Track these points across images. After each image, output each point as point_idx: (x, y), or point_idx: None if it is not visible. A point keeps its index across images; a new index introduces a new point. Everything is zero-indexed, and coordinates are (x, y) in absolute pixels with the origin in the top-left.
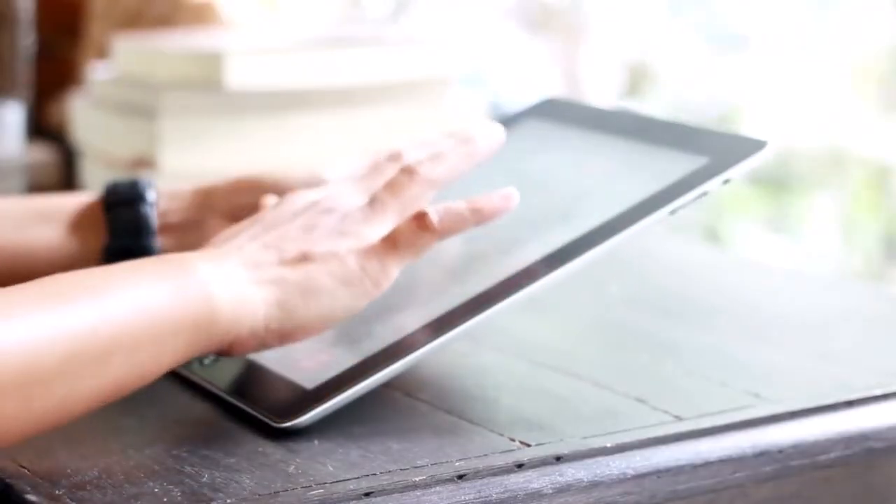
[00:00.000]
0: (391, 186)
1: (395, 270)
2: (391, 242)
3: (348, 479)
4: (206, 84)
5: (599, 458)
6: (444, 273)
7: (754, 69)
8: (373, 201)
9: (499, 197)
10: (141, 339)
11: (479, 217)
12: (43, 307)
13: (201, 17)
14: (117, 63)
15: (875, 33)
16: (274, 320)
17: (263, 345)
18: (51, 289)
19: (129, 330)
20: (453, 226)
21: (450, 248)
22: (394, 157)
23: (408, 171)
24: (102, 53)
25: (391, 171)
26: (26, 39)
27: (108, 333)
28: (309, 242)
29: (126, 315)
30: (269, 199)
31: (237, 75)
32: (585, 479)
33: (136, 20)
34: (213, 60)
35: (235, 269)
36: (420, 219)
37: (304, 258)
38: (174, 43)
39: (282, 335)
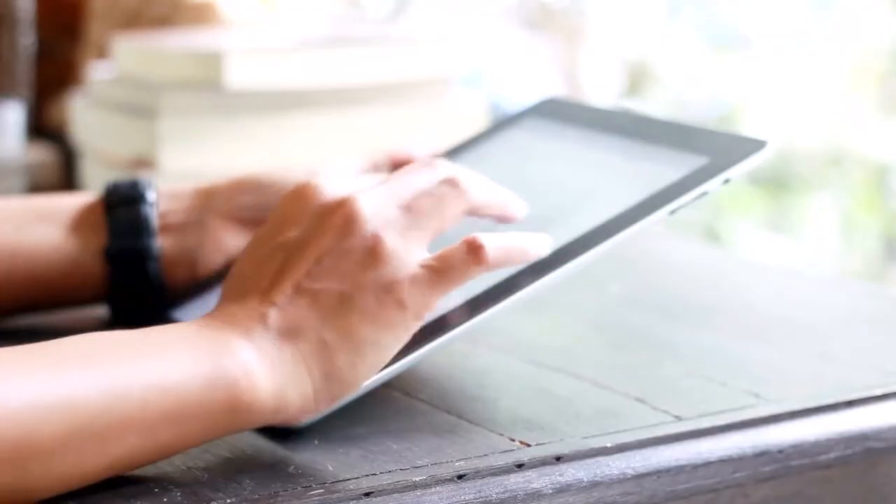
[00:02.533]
0: (433, 197)
1: (436, 301)
2: (438, 273)
3: (348, 479)
4: (205, 84)
5: (599, 458)
6: None
7: (754, 69)
8: (411, 211)
9: (538, 242)
10: (161, 420)
11: (524, 259)
12: (54, 371)
13: (201, 17)
14: (117, 63)
15: (875, 33)
16: (323, 390)
17: (316, 412)
18: (69, 351)
19: (147, 408)
20: (501, 262)
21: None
22: (428, 162)
23: (451, 184)
24: (102, 53)
25: (424, 178)
26: (26, 39)
27: (122, 409)
28: (343, 277)
29: (146, 392)
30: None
31: (237, 75)
32: (585, 479)
33: (136, 20)
34: (212, 60)
35: (276, 345)
36: (477, 251)
37: (342, 302)
38: (174, 43)
39: (333, 398)
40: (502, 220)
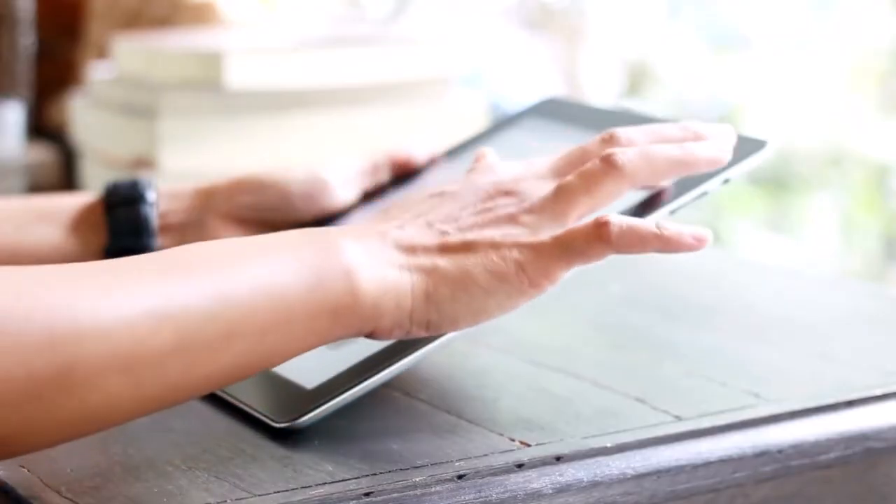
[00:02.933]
0: (586, 176)
1: (560, 274)
2: (561, 245)
3: (348, 479)
4: (205, 84)
5: (599, 458)
6: None
7: (754, 69)
8: (561, 189)
9: (691, 236)
10: (268, 325)
11: (663, 245)
12: (158, 281)
13: (201, 17)
14: (117, 63)
15: (875, 33)
16: (420, 311)
17: (408, 334)
18: (172, 260)
19: (254, 313)
20: (633, 245)
21: None
22: (607, 139)
23: (609, 163)
24: (102, 53)
25: (596, 151)
26: (26, 39)
27: (230, 316)
28: (476, 228)
29: (253, 297)
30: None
31: (237, 75)
32: (585, 479)
33: (136, 20)
34: (212, 60)
35: (386, 251)
36: (601, 227)
37: (465, 247)
38: (174, 43)
39: (428, 326)
40: (696, 171)
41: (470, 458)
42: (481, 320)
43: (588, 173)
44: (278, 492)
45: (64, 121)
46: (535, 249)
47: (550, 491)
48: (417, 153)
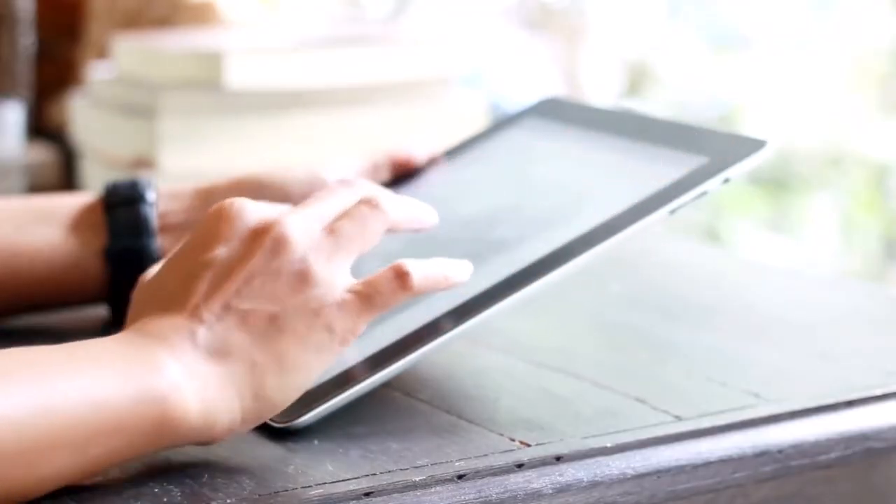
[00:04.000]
0: (354, 218)
1: (363, 327)
2: (366, 298)
3: (348, 479)
4: (206, 84)
5: (599, 458)
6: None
7: (754, 69)
8: (335, 234)
9: (461, 269)
10: (91, 436)
11: (448, 285)
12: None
13: (201, 17)
14: (117, 63)
15: (875, 33)
16: (250, 411)
17: (241, 432)
18: (9, 362)
19: (77, 426)
20: (426, 288)
21: (449, 249)
22: (346, 182)
23: (370, 204)
24: (102, 53)
25: (344, 199)
26: (26, 39)
27: (50, 426)
28: (273, 299)
29: (74, 408)
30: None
31: (237, 75)
32: (585, 479)
33: (136, 20)
34: (212, 60)
35: (205, 364)
36: (402, 277)
37: (271, 324)
38: (174, 43)
39: (259, 418)
40: (418, 232)
41: (470, 458)
42: (302, 391)
43: (355, 215)
44: (278, 492)
45: (64, 121)
46: (339, 308)
47: (550, 491)
48: (417, 153)
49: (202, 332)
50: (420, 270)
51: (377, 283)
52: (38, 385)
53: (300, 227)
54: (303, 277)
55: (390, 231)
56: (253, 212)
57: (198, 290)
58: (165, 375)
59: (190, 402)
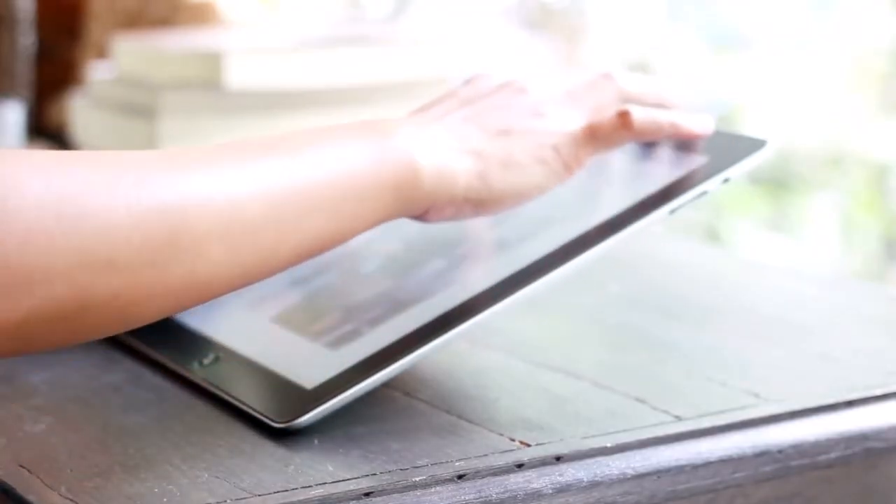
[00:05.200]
0: (591, 85)
1: (587, 159)
2: (590, 131)
3: (348, 479)
4: (206, 84)
5: (599, 458)
6: (444, 273)
7: (754, 69)
8: (570, 92)
9: (698, 122)
10: (342, 197)
11: (675, 131)
12: (246, 161)
13: (201, 17)
14: (117, 63)
15: (875, 33)
16: (472, 190)
17: (459, 213)
18: (252, 145)
19: (331, 187)
20: (650, 131)
21: (450, 249)
22: (588, 66)
23: (608, 78)
24: (102, 53)
25: (585, 75)
26: (26, 39)
27: (310, 189)
28: (508, 118)
29: (328, 173)
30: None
31: (237, 75)
32: (585, 479)
33: (136, 20)
34: (213, 60)
35: (438, 136)
36: (623, 116)
37: (504, 132)
38: (174, 43)
39: (478, 205)
40: (661, 106)
41: (470, 458)
42: (523, 201)
43: (593, 84)
44: (278, 492)
45: (64, 121)
46: (569, 135)
47: (550, 491)
48: None
49: (438, 121)
50: (643, 112)
51: (602, 120)
52: (298, 156)
53: (542, 82)
54: (536, 111)
55: (629, 101)
56: (504, 74)
57: (442, 107)
58: (401, 139)
59: (422, 163)
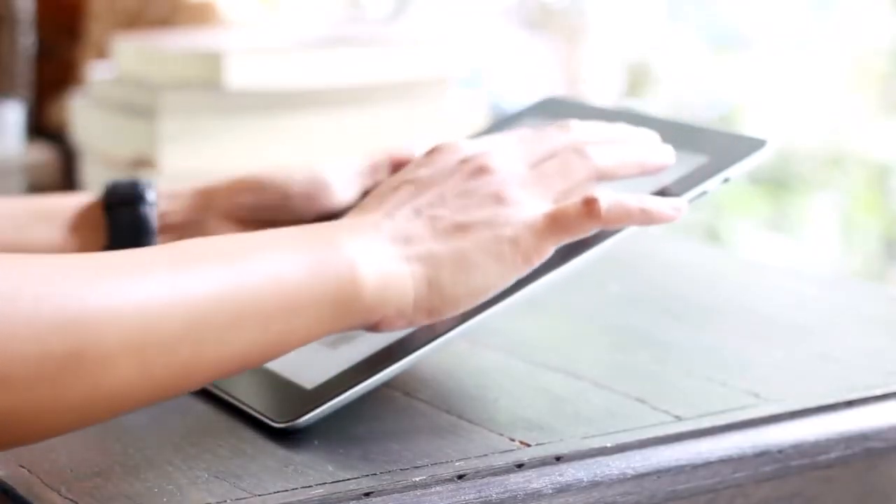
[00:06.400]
0: (560, 163)
1: (549, 250)
2: (554, 221)
3: (348, 479)
4: (206, 84)
5: (599, 458)
6: None
7: (754, 69)
8: (537, 170)
9: (670, 207)
10: (274, 313)
11: (646, 219)
12: (169, 269)
13: (201, 17)
14: (117, 63)
15: (875, 33)
16: (423, 299)
17: (411, 323)
18: (181, 252)
19: (260, 300)
20: (619, 220)
21: None
22: (563, 126)
23: (579, 152)
24: (102, 53)
25: (557, 141)
26: (26, 39)
27: (237, 302)
28: (464, 210)
29: (259, 285)
30: (418, 151)
31: (237, 75)
32: (585, 479)
33: (136, 20)
34: (213, 60)
35: (384, 244)
36: (590, 204)
37: (458, 228)
38: (174, 43)
39: (430, 312)
40: (647, 175)
41: (470, 458)
42: (479, 300)
43: (563, 160)
44: (278, 492)
45: (64, 121)
46: (529, 226)
47: (550, 491)
48: (417, 153)
49: (387, 223)
50: (610, 199)
51: (567, 208)
52: (227, 265)
53: (504, 159)
54: (497, 197)
55: (603, 178)
56: (465, 146)
57: (394, 198)
58: (341, 250)
59: (365, 276)
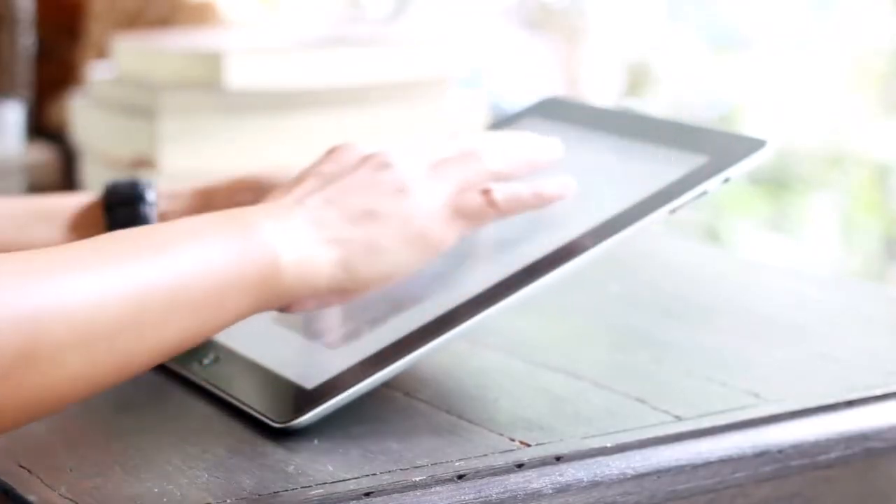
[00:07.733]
0: (457, 164)
1: (454, 237)
2: (456, 210)
3: (348, 479)
4: (206, 84)
5: (599, 458)
6: (444, 272)
7: (754, 69)
8: (435, 166)
9: (558, 185)
10: (203, 297)
11: (539, 201)
12: (103, 263)
13: (201, 17)
14: (117, 63)
15: (875, 33)
16: (337, 280)
17: (324, 304)
18: (109, 245)
19: (191, 287)
20: (515, 207)
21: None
22: (454, 135)
23: (473, 156)
24: (102, 53)
25: (452, 148)
26: (26, 39)
27: (170, 290)
28: (371, 200)
29: (188, 272)
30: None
31: (237, 75)
32: (585, 479)
33: (136, 20)
34: (212, 60)
35: (300, 227)
36: (487, 194)
37: (367, 215)
38: (174, 43)
39: (343, 294)
40: (539, 170)
41: (470, 458)
42: (389, 283)
43: (459, 157)
44: (278, 492)
45: (64, 121)
46: (435, 214)
47: (550, 491)
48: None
49: (300, 210)
50: (505, 190)
51: (466, 197)
52: (157, 256)
53: (406, 156)
54: (401, 189)
55: (498, 180)
56: (365, 146)
57: (303, 187)
58: (262, 234)
59: (284, 259)
